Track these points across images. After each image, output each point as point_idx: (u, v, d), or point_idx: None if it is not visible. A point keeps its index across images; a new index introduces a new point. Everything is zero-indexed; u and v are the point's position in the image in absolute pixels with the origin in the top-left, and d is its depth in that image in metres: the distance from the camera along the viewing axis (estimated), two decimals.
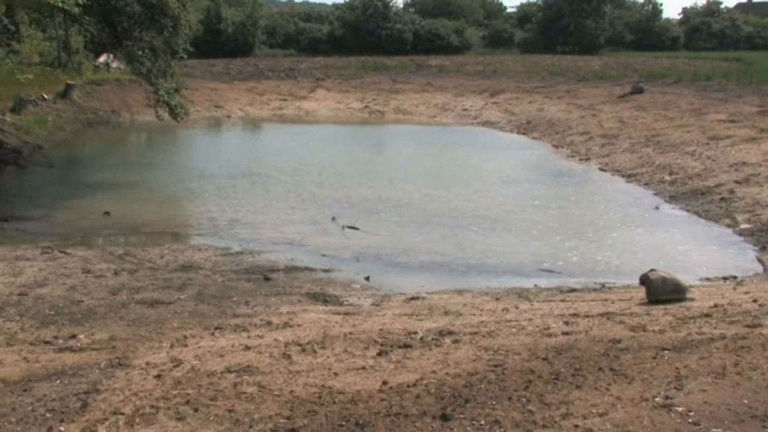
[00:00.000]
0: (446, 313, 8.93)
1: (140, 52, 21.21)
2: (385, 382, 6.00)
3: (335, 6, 75.61)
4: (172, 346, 7.37)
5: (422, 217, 16.02)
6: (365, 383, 6.03)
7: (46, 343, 7.70)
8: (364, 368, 6.43)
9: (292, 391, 5.88)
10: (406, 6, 78.11)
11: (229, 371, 6.40)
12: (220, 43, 59.60)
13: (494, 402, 5.51)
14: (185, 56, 23.81)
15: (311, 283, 11.14)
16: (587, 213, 17.00)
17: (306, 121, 36.59)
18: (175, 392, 5.95)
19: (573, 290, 10.76)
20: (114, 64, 38.43)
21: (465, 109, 37.69)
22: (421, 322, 8.26)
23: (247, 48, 62.14)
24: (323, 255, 13.10)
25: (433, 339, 7.26)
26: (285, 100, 40.01)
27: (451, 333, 7.46)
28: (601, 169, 22.32)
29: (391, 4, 70.22)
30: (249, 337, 7.64)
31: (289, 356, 6.80)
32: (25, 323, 8.47)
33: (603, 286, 11.17)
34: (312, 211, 16.49)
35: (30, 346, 7.57)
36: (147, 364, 6.75)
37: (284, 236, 14.40)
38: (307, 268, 12.04)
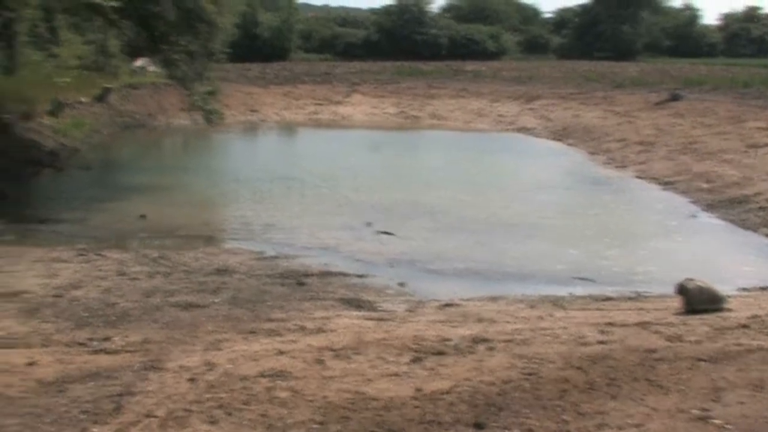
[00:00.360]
0: (480, 320, 8.88)
1: (176, 57, 21.37)
2: (418, 389, 5.98)
3: (372, 11, 75.74)
4: (205, 350, 7.40)
5: (457, 223, 15.98)
6: (399, 390, 6.02)
7: (81, 344, 7.78)
8: (397, 375, 6.42)
9: (325, 397, 5.88)
10: (442, 11, 78.05)
11: (263, 376, 6.41)
12: (256, 48, 59.79)
13: (528, 411, 5.48)
14: (223, 57, 23.90)
15: (345, 288, 11.12)
16: (623, 221, 16.87)
17: (341, 125, 36.65)
18: (208, 396, 5.98)
19: (608, 299, 10.67)
20: (151, 68, 38.72)
21: (500, 115, 37.58)
22: (455, 329, 8.22)
23: (283, 52, 62.40)
24: (358, 260, 13.08)
25: (467, 346, 7.23)
26: (320, 104, 40.07)
27: (485, 340, 7.43)
28: (637, 177, 22.13)
29: (426, 9, 70.27)
30: (283, 341, 7.65)
31: (323, 361, 6.80)
32: (61, 325, 8.56)
33: (639, 295, 11.07)
34: (347, 216, 16.49)
35: (65, 348, 7.65)
36: (180, 367, 6.78)
37: (319, 241, 14.40)
38: (341, 274, 12.01)
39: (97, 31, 37.17)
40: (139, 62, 40.01)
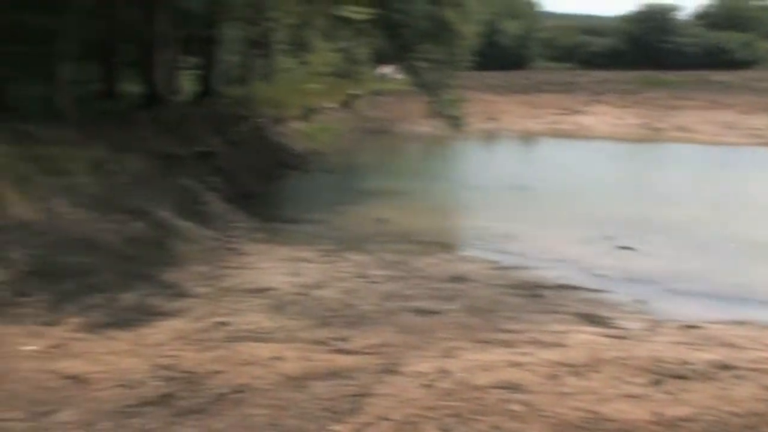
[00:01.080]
0: (725, 345, 8.44)
1: (421, 64, 21.81)
2: (657, 413, 5.76)
3: (618, 18, 73.88)
4: (440, 357, 7.47)
5: (702, 242, 15.24)
6: (636, 412, 5.82)
7: (322, 343, 8.09)
8: (635, 396, 6.21)
9: (559, 413, 5.78)
10: (695, 19, 74.79)
11: (496, 387, 6.39)
12: (496, 56, 59.79)
13: None
14: (467, 65, 24.11)
15: (581, 302, 10.91)
16: None
17: (581, 136, 35.86)
18: (442, 403, 6.03)
19: None
20: (396, 75, 39.72)
21: (752, 129, 35.46)
22: (698, 352, 7.84)
23: (524, 60, 62.17)
24: (595, 275, 12.81)
25: (710, 372, 6.88)
26: (561, 114, 39.40)
27: (730, 367, 7.03)
28: None
29: (672, 16, 67.82)
30: (516, 353, 7.59)
31: (557, 377, 6.69)
32: (304, 322, 8.96)
33: None
34: (585, 229, 16.12)
35: (308, 345, 7.98)
36: (415, 372, 6.88)
37: (555, 253, 14.19)
38: (577, 287, 11.79)
39: (346, 39, 38.68)
40: (383, 69, 41.21)
